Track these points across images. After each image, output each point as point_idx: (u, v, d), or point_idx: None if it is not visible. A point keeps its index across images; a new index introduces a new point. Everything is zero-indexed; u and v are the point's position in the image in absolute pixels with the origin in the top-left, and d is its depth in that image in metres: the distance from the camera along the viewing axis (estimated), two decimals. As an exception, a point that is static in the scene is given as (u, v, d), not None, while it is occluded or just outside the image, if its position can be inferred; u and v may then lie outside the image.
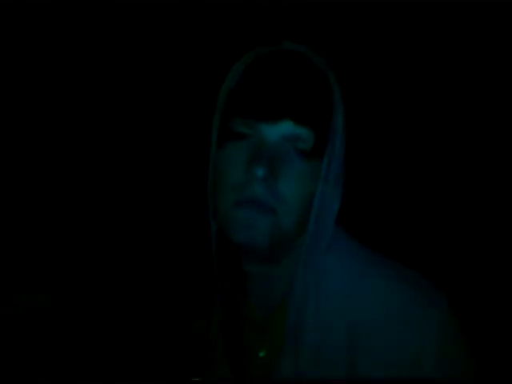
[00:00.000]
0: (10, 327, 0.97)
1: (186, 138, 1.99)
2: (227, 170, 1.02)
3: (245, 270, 1.09)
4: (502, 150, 2.18)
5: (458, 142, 2.18)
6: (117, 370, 1.07)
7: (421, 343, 0.97)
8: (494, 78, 2.15)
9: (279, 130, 1.00)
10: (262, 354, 1.07)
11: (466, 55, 2.14)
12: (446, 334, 0.98)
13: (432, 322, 0.98)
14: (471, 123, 2.18)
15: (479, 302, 2.01)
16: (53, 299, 0.99)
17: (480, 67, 2.14)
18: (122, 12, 2.01)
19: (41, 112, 1.97)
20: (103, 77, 2.08)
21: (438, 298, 1.00)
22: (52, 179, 2.02)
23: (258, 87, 1.01)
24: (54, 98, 1.93)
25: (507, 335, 1.97)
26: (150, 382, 1.07)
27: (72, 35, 1.97)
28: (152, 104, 2.13)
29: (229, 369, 1.07)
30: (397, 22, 2.05)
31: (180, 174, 2.04)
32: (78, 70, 2.01)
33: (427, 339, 0.97)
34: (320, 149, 1.03)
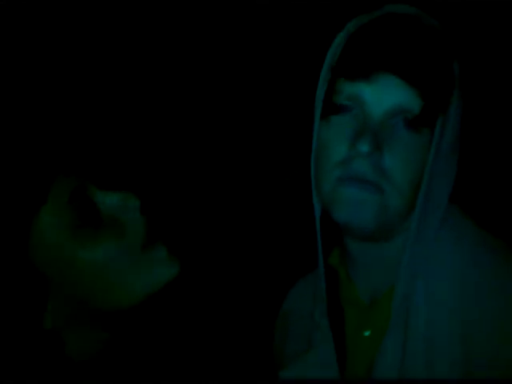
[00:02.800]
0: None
1: (288, 111, 1.97)
2: (330, 146, 0.99)
3: (348, 250, 1.06)
4: None
5: None
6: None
7: None
8: None
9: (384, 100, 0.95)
10: (366, 334, 1.04)
11: None
12: None
13: None
14: None
15: None
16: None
17: None
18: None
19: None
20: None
21: None
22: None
23: (364, 53, 0.97)
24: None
25: None
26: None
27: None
28: (254, 77, 2.13)
29: (332, 347, 1.05)
30: None
31: (284, 150, 2.02)
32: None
33: None
34: (431, 118, 0.97)
